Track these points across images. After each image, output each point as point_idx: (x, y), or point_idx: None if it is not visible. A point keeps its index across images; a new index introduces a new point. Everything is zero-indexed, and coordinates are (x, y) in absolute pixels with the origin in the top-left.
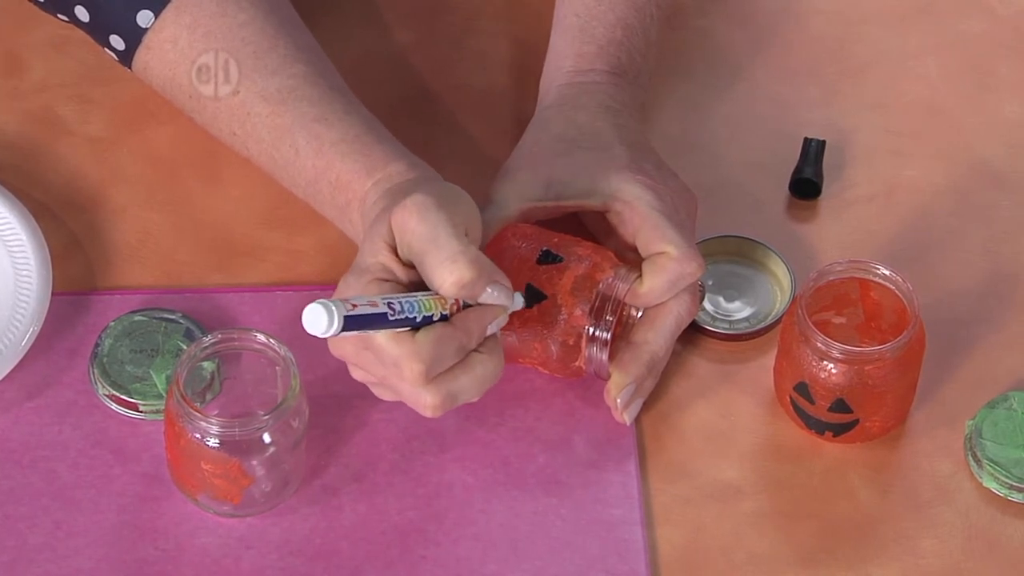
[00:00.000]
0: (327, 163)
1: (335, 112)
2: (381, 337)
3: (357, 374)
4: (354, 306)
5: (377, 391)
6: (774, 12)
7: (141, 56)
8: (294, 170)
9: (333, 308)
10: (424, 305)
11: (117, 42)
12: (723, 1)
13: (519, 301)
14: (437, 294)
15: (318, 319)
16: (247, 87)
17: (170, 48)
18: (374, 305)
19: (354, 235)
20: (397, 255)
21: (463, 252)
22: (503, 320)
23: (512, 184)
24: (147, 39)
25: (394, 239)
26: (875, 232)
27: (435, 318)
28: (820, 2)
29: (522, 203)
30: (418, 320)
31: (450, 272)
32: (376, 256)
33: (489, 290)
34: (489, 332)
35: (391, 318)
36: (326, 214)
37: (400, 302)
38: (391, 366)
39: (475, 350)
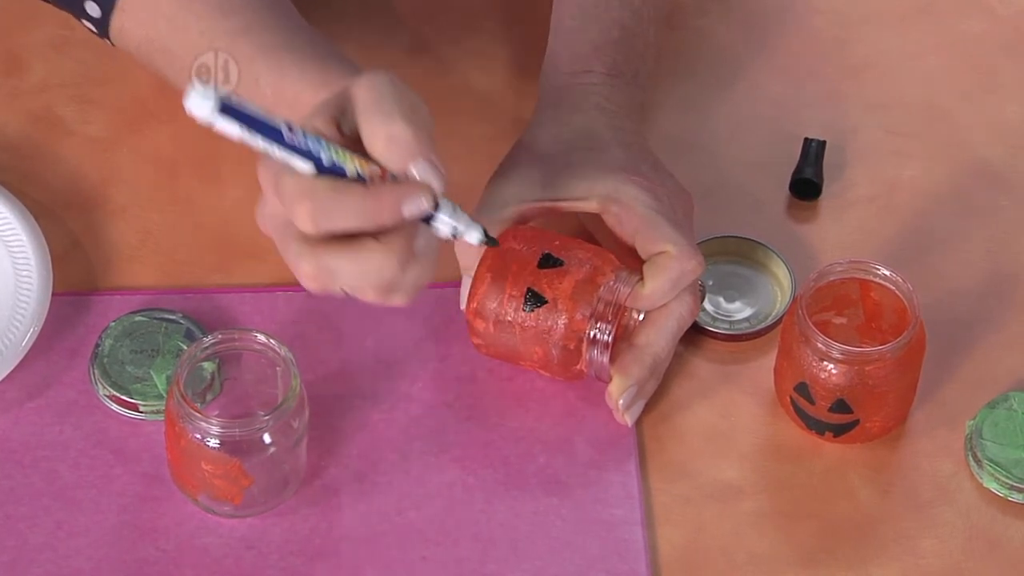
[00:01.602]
0: (287, 84)
1: (296, 40)
2: (286, 171)
3: (262, 222)
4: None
5: (281, 250)
6: (774, 12)
7: (116, 20)
8: (255, 99)
9: (214, 88)
10: (336, 152)
11: (93, 9)
12: (723, 1)
13: (474, 235)
14: (365, 157)
15: (195, 93)
16: (210, 26)
17: (141, 7)
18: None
19: None
20: (338, 129)
21: (404, 113)
22: (423, 204)
23: (508, 184)
24: (120, 1)
25: (340, 112)
26: (875, 232)
27: (348, 174)
28: (820, 2)
29: (518, 203)
30: (324, 161)
31: (384, 125)
32: (312, 120)
33: (421, 163)
34: (406, 214)
35: (287, 140)
36: None
37: (304, 132)
38: (286, 204)
39: (375, 239)
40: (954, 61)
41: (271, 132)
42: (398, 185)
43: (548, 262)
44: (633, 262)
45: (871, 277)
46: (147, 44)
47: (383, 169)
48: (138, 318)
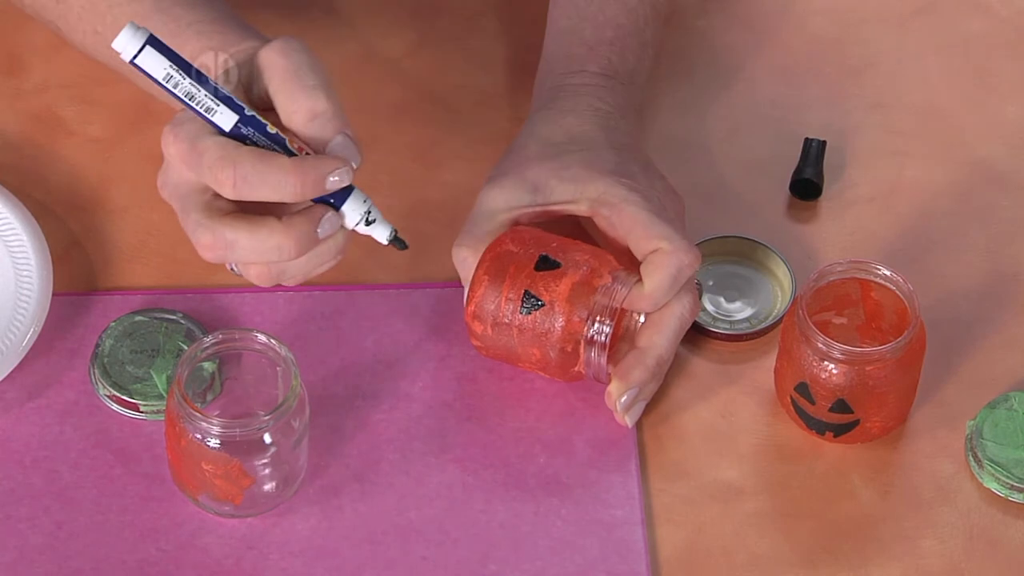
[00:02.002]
0: (183, 42)
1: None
2: (206, 135)
3: (165, 191)
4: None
5: (181, 218)
6: (774, 12)
7: None
8: None
9: (143, 28)
10: (257, 114)
11: None
12: (723, 1)
13: (384, 232)
14: (283, 130)
15: (127, 29)
16: None
17: None
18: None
19: None
20: (246, 95)
21: (320, 85)
22: (345, 179)
23: (499, 191)
24: None
25: (248, 78)
26: (876, 232)
27: (268, 130)
28: (820, 2)
29: (509, 210)
30: (247, 113)
31: (306, 98)
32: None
33: (339, 138)
34: (329, 187)
35: (212, 83)
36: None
37: (224, 88)
38: (205, 168)
39: (278, 219)
40: (954, 61)
41: (196, 75)
42: (321, 158)
43: (545, 264)
44: (630, 264)
45: (871, 277)
46: None
47: (292, 133)
48: (138, 318)
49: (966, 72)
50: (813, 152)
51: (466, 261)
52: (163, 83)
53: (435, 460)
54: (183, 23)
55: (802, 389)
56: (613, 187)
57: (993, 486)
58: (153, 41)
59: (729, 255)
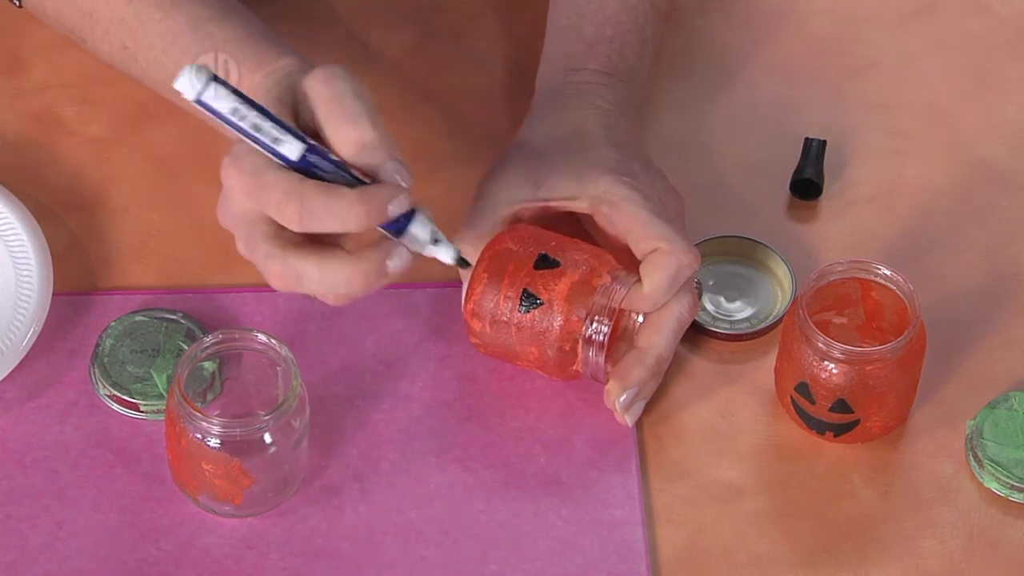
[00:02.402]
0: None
1: (226, 13)
2: (271, 168)
3: (228, 222)
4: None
5: (240, 247)
6: (774, 12)
7: None
8: None
9: (205, 67)
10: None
11: None
12: (723, 1)
13: (449, 251)
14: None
15: (189, 70)
16: None
17: None
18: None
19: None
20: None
21: (367, 113)
22: (404, 204)
23: (501, 183)
24: None
25: (296, 105)
26: (876, 232)
27: (332, 156)
28: (820, 2)
29: (510, 203)
30: (307, 139)
31: (353, 129)
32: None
33: (389, 164)
34: (392, 213)
35: (277, 119)
36: (215, 121)
37: (285, 122)
38: (272, 203)
39: (347, 251)
40: (954, 61)
41: (260, 110)
42: (382, 187)
43: (544, 263)
44: (630, 263)
45: (871, 277)
46: (67, 6)
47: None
48: (138, 318)
49: (966, 72)
50: (813, 152)
51: (467, 256)
52: (230, 118)
53: (435, 460)
54: (218, 41)
55: (802, 389)
56: (614, 185)
57: (993, 486)
58: (216, 79)
59: (729, 255)
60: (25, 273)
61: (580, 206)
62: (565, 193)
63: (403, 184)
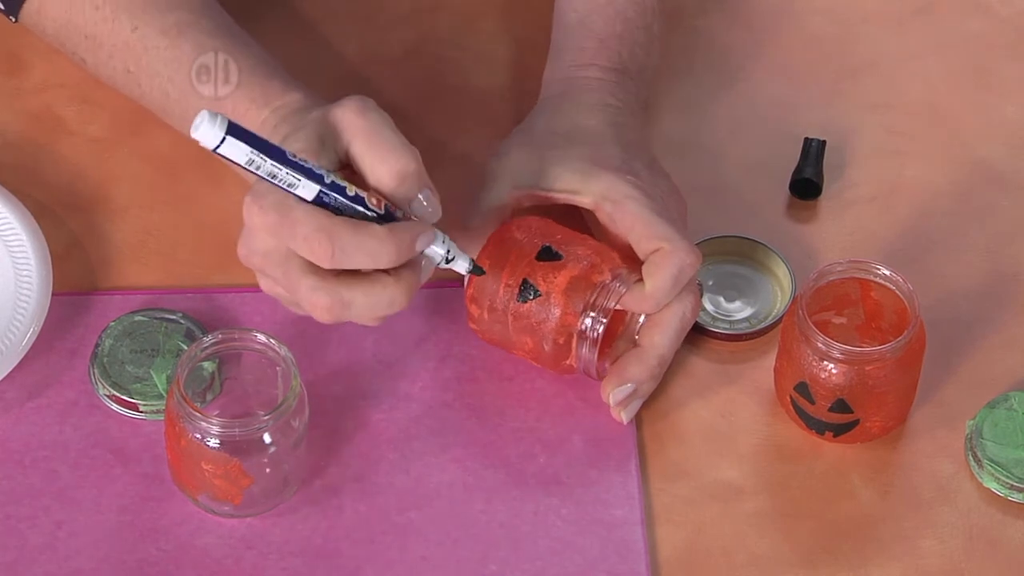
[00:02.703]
0: (228, 98)
1: (233, 45)
2: (297, 206)
3: (253, 259)
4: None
5: (265, 282)
6: (774, 12)
7: (32, 4)
8: (188, 103)
9: (220, 116)
10: (340, 178)
11: None
12: (723, 1)
13: (464, 262)
14: (351, 180)
15: (205, 120)
16: (145, 22)
17: None
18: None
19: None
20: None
21: (405, 144)
22: (431, 239)
23: (508, 164)
24: None
25: (321, 143)
26: (875, 232)
27: (348, 192)
28: (820, 2)
29: (515, 186)
30: (326, 180)
31: (395, 160)
32: (290, 145)
33: (421, 196)
34: (419, 250)
35: (291, 158)
36: None
37: (305, 159)
38: (300, 239)
39: (387, 272)
40: (954, 61)
41: (276, 152)
42: (411, 225)
43: (547, 255)
44: (633, 262)
45: (871, 277)
46: (68, 28)
47: (374, 190)
48: (138, 318)
49: (966, 72)
50: (813, 152)
51: (471, 241)
52: (246, 167)
53: (435, 460)
54: None
55: (802, 389)
56: (617, 184)
57: (993, 486)
58: (233, 129)
59: (729, 255)
60: (25, 273)
61: (583, 201)
62: (569, 187)
63: (433, 214)
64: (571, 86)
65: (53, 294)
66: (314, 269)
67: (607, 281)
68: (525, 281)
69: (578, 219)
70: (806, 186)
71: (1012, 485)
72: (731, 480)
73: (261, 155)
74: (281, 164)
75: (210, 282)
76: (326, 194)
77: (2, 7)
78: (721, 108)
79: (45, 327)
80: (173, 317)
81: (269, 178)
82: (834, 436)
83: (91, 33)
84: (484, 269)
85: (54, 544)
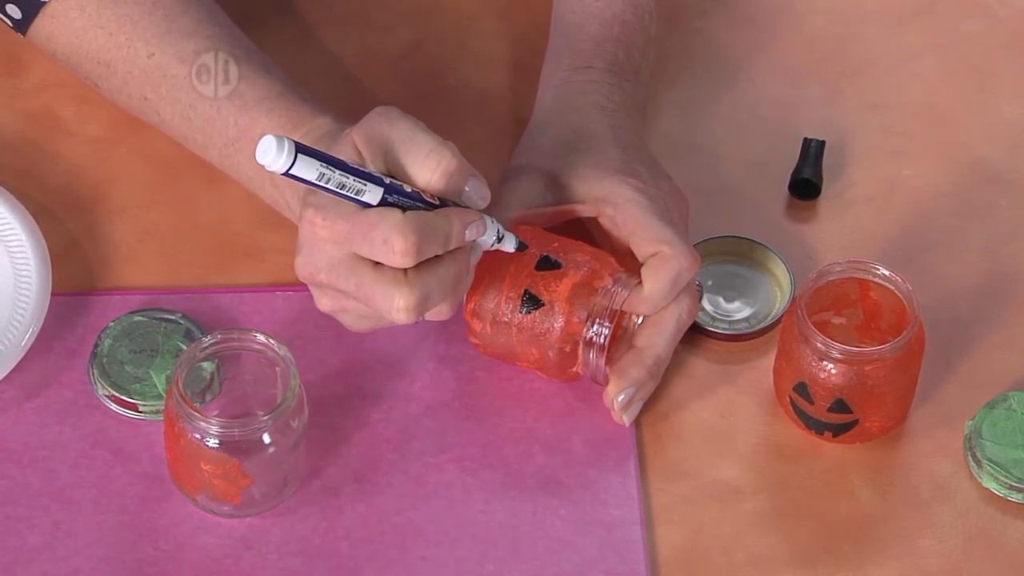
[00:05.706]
0: (251, 119)
1: (255, 71)
2: (369, 209)
3: (319, 276)
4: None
5: (328, 300)
6: (774, 12)
7: (42, 25)
8: (213, 130)
9: (285, 138)
10: (393, 178)
11: (13, 11)
12: (723, 1)
13: (511, 240)
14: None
15: (270, 144)
16: (162, 49)
17: (77, 15)
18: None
19: (273, 193)
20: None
21: (444, 143)
22: (480, 225)
23: (514, 190)
24: (50, 8)
25: (360, 158)
26: (875, 232)
27: (407, 189)
28: (820, 2)
29: (519, 209)
30: (386, 182)
31: (437, 161)
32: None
33: (474, 183)
34: (468, 237)
35: (353, 166)
36: (242, 176)
37: (361, 168)
38: (379, 242)
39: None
40: (954, 61)
41: (339, 163)
42: (466, 210)
43: (546, 264)
44: (632, 265)
45: (870, 277)
46: (79, 54)
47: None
48: (137, 318)
49: (965, 72)
50: (812, 152)
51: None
52: (316, 182)
53: (434, 460)
54: (249, 100)
55: (801, 389)
56: (618, 186)
57: (992, 486)
58: (300, 148)
59: (728, 255)
60: (24, 273)
61: (585, 209)
62: (572, 195)
63: (483, 199)
64: (567, 90)
65: (52, 294)
66: (388, 272)
67: (608, 286)
68: (527, 292)
69: (575, 222)
70: (805, 186)
71: (1011, 485)
72: (730, 480)
73: (330, 167)
74: (348, 173)
75: (209, 282)
76: (389, 195)
77: (11, 26)
78: (720, 108)
79: (44, 327)
80: (172, 317)
81: (338, 189)
82: (833, 436)
83: (104, 60)
84: (527, 245)
85: (53, 544)
